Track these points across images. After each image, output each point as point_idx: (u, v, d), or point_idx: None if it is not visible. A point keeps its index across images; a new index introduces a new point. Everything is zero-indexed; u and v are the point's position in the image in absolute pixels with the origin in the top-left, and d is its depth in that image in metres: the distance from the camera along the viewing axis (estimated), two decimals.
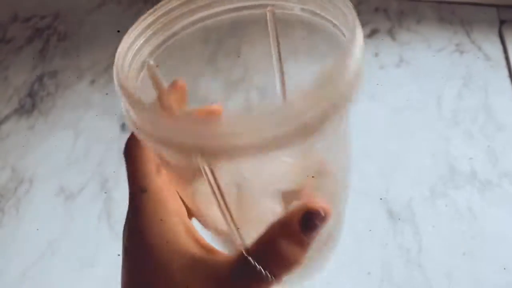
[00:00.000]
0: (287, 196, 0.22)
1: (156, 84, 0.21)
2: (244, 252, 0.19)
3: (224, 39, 0.24)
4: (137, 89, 0.20)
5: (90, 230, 0.52)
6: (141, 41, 0.20)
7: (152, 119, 0.16)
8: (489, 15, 0.71)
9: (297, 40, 0.23)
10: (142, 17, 0.20)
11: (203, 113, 0.22)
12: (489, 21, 0.70)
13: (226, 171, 0.19)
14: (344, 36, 0.19)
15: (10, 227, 0.54)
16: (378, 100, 0.61)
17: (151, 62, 0.21)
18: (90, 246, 0.51)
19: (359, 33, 0.17)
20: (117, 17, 0.78)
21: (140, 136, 0.16)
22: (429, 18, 0.72)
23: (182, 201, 0.21)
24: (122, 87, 0.17)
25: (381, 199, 0.51)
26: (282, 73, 0.24)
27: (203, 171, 0.17)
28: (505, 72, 0.63)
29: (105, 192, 0.55)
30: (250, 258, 0.18)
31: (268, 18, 0.22)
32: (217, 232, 0.23)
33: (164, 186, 0.20)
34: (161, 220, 0.19)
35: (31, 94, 0.68)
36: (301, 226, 0.18)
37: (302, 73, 0.23)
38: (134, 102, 0.16)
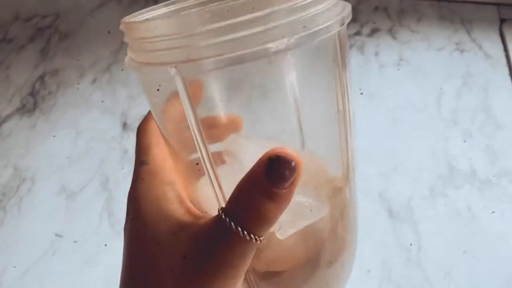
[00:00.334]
0: None
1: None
2: (219, 212, 0.18)
3: None
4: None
5: (91, 228, 0.53)
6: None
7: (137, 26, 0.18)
8: (490, 14, 0.70)
9: None
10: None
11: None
12: (490, 20, 0.70)
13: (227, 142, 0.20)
14: None
15: (12, 226, 0.54)
16: (377, 99, 0.61)
17: None
18: (91, 245, 0.51)
19: None
20: (118, 17, 0.77)
21: (131, 62, 0.19)
22: (429, 16, 0.72)
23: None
24: (123, 22, 0.19)
25: (381, 198, 0.51)
26: None
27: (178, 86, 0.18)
28: (506, 71, 0.63)
29: (106, 191, 0.56)
30: (225, 217, 0.18)
31: None
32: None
33: (162, 159, 0.21)
34: (155, 188, 0.20)
35: (33, 93, 0.69)
36: (265, 175, 0.17)
37: None
38: (125, 24, 0.18)
